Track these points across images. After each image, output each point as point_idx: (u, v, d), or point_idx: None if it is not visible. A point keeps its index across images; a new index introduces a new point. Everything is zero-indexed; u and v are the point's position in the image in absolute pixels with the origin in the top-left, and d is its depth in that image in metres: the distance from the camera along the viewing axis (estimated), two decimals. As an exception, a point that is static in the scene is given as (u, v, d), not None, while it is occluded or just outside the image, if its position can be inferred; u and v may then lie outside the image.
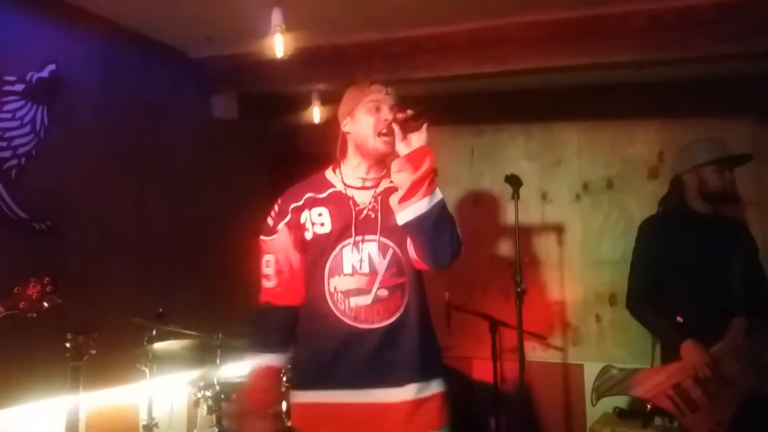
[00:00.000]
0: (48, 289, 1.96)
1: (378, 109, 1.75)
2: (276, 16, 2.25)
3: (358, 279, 1.73)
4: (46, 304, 1.96)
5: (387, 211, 1.71)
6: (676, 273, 2.50)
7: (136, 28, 2.98)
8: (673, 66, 2.80)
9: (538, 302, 3.44)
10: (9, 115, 2.42)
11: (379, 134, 1.72)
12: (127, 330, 2.52)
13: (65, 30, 2.66)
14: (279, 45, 2.30)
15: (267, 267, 1.85)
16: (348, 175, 1.82)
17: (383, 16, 2.79)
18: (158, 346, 2.59)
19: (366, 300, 1.71)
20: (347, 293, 1.72)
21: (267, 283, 1.84)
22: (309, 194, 1.82)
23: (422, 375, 1.75)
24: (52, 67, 2.58)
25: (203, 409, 2.62)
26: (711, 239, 2.48)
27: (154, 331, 2.57)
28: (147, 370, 2.58)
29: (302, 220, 1.80)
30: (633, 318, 2.62)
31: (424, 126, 1.64)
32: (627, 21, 2.53)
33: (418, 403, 1.73)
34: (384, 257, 1.74)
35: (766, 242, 3.26)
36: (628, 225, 3.37)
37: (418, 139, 1.63)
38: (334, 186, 1.83)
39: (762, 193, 3.32)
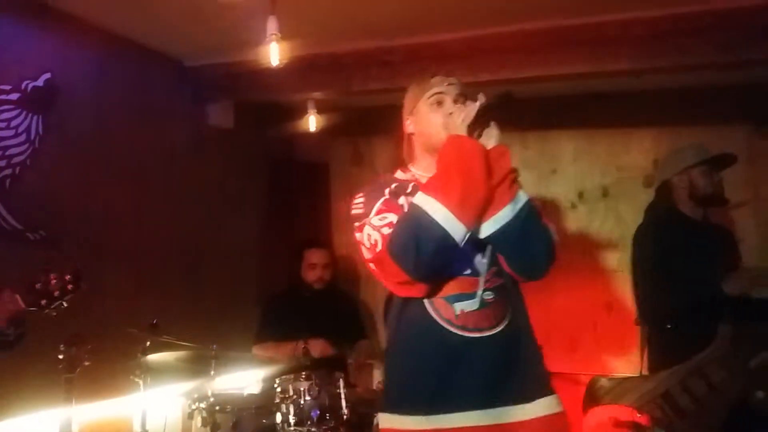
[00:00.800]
0: (69, 287, 1.89)
1: (440, 102, 1.63)
2: (271, 25, 2.24)
3: (460, 281, 1.56)
4: (65, 304, 1.89)
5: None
6: (664, 280, 2.52)
7: (132, 37, 2.96)
8: (669, 74, 2.81)
9: (534, 310, 3.43)
10: (4, 124, 2.40)
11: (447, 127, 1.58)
12: (121, 341, 2.49)
13: (61, 39, 2.64)
14: (274, 53, 2.30)
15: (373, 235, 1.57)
16: (423, 177, 1.65)
17: (380, 24, 2.79)
18: (153, 357, 2.55)
19: (473, 305, 1.53)
20: (450, 298, 1.54)
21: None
22: (395, 184, 1.66)
23: (548, 387, 1.59)
24: (48, 75, 2.56)
25: (197, 421, 2.58)
26: (700, 245, 2.52)
27: (149, 342, 2.54)
28: (141, 382, 2.55)
29: (400, 203, 1.61)
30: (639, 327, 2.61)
31: (494, 123, 1.55)
32: (625, 29, 2.54)
33: (549, 421, 1.54)
34: (483, 255, 1.58)
35: (760, 246, 3.28)
36: (624, 233, 3.35)
37: (490, 137, 1.55)
38: (416, 180, 1.66)
39: (756, 198, 3.34)
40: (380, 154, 4.18)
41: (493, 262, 1.58)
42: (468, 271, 1.56)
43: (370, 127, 4.13)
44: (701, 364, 2.37)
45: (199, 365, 2.70)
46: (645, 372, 2.59)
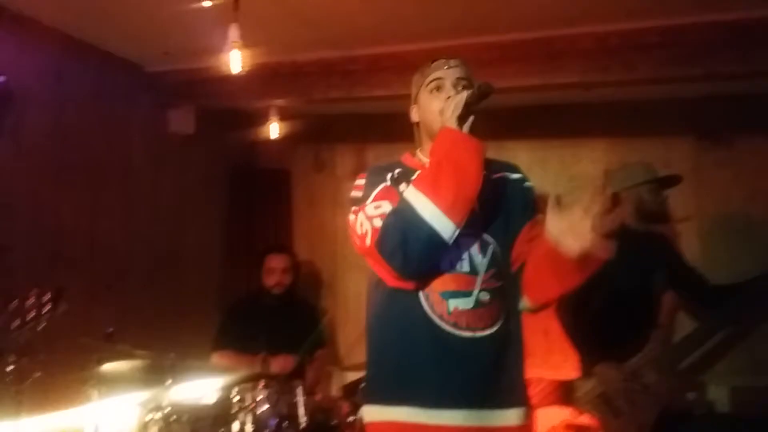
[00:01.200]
0: (45, 310, 1.79)
1: (439, 88, 1.58)
2: (233, 33, 2.25)
3: (457, 278, 1.51)
4: (38, 328, 1.79)
5: (488, 203, 1.53)
6: (606, 288, 2.59)
7: (92, 41, 2.93)
8: (618, 87, 2.92)
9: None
10: (-44, 128, 2.36)
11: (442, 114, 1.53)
12: (74, 351, 2.44)
13: (16, 42, 2.59)
14: (236, 61, 2.31)
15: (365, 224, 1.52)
16: (427, 163, 1.57)
17: (341, 35, 2.83)
18: (107, 367, 2.51)
19: (467, 303, 1.50)
20: (445, 294, 1.50)
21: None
22: (399, 170, 1.62)
23: (525, 397, 1.58)
24: (2, 79, 2.51)
25: (153, 431, 2.55)
26: (638, 255, 2.63)
27: (104, 352, 2.50)
28: (95, 393, 2.50)
29: (401, 190, 1.54)
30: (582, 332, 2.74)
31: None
32: (575, 43, 2.63)
33: (521, 431, 1.54)
34: (484, 255, 1.54)
35: (704, 254, 3.42)
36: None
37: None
38: (423, 167, 1.59)
39: (700, 208, 3.48)
40: (342, 162, 4.21)
41: (493, 263, 1.55)
42: (466, 269, 1.52)
43: (333, 134, 4.16)
44: (635, 367, 2.57)
45: (155, 374, 2.66)
46: (586, 374, 2.71)
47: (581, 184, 3.64)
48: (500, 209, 1.61)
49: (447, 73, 1.58)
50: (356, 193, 1.59)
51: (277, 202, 4.22)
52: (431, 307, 1.50)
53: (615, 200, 2.78)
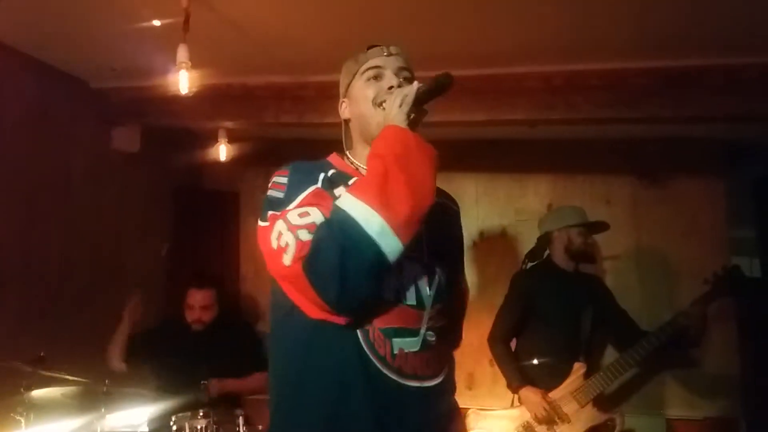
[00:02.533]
0: None
1: (378, 77, 1.34)
2: (181, 53, 2.22)
3: (402, 312, 1.22)
4: None
5: (432, 226, 1.22)
6: (535, 320, 2.89)
7: (35, 54, 2.84)
8: (562, 126, 3.02)
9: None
10: None
11: (380, 105, 1.30)
12: (3, 375, 2.32)
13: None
14: (184, 82, 2.27)
15: (284, 235, 1.17)
16: (363, 170, 1.32)
17: (293, 60, 2.84)
18: (37, 393, 2.39)
19: (414, 344, 1.22)
20: (389, 332, 1.21)
21: (286, 257, 1.15)
22: (333, 171, 1.31)
23: None
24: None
25: (85, 461, 2.43)
26: (568, 292, 2.88)
27: (34, 377, 2.38)
28: (23, 420, 2.37)
29: (336, 194, 1.25)
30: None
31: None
32: (521, 81, 2.72)
33: None
34: (431, 287, 1.27)
35: (642, 290, 3.54)
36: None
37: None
38: (357, 172, 1.34)
39: (638, 244, 3.61)
40: (292, 186, 4.18)
41: (438, 297, 1.28)
42: (412, 302, 1.24)
43: (283, 157, 4.10)
44: (555, 397, 2.74)
45: (89, 401, 2.55)
46: (516, 404, 2.85)
47: (527, 218, 3.73)
48: (444, 236, 1.38)
49: (387, 61, 1.35)
50: (275, 193, 1.26)
51: (225, 224, 4.16)
52: (371, 346, 1.19)
53: (546, 239, 3.01)
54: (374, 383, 1.19)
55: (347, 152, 1.43)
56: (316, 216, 1.17)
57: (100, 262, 3.28)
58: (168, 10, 2.27)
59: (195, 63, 2.25)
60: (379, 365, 1.19)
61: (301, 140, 3.99)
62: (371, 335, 1.20)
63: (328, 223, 1.15)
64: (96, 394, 2.54)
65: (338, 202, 1.16)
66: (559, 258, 2.96)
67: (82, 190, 3.18)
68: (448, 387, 1.31)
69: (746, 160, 3.58)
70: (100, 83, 3.23)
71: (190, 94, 2.32)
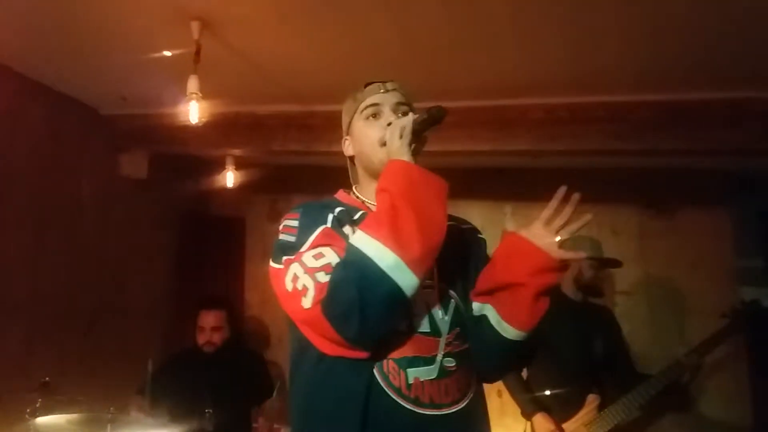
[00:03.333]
0: None
1: (376, 114, 1.36)
2: (192, 84, 2.26)
3: (416, 341, 1.22)
4: None
5: (445, 251, 1.20)
6: (545, 350, 2.75)
7: (46, 82, 2.90)
8: (566, 156, 3.04)
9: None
10: None
11: (384, 144, 1.30)
12: (7, 401, 2.31)
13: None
14: (194, 112, 2.31)
15: (302, 278, 1.19)
16: (372, 205, 1.36)
17: (302, 91, 2.88)
18: (42, 420, 2.37)
19: (430, 373, 1.21)
20: (403, 362, 1.20)
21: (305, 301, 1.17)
22: (340, 208, 1.32)
23: None
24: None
25: (87, 489, 2.40)
26: (578, 324, 2.83)
27: (39, 403, 2.37)
28: (27, 447, 2.35)
29: (345, 233, 1.26)
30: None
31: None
32: (525, 112, 2.74)
33: None
34: (446, 312, 1.28)
35: (651, 321, 3.51)
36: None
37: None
38: (365, 207, 1.36)
39: (646, 275, 3.59)
40: (298, 213, 4.20)
41: (456, 321, 1.29)
42: (426, 329, 1.24)
43: (289, 184, 4.17)
44: (569, 429, 2.69)
45: (94, 428, 2.53)
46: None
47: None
48: (458, 258, 1.37)
49: (384, 97, 1.37)
50: (287, 237, 1.27)
51: (230, 251, 4.17)
52: (386, 378, 1.19)
53: None
54: (391, 415, 1.18)
55: (354, 187, 1.46)
56: (330, 256, 1.18)
57: (108, 287, 3.30)
58: (179, 41, 2.31)
59: (205, 93, 2.30)
60: (394, 396, 1.18)
61: (308, 167, 4.03)
62: (385, 367, 1.20)
63: (344, 263, 1.16)
64: (101, 421, 2.52)
65: (352, 241, 1.17)
66: (568, 288, 2.93)
67: (90, 215, 3.21)
68: (472, 412, 1.27)
69: (752, 191, 3.57)
70: (110, 110, 3.28)
71: (200, 124, 2.35)
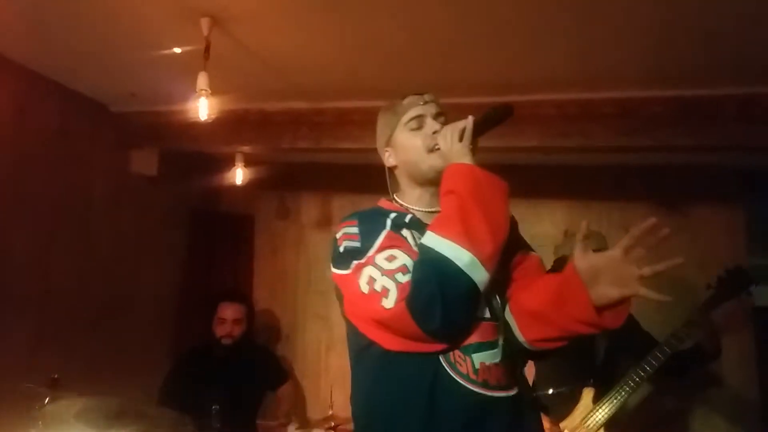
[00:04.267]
0: None
1: (421, 125, 1.44)
2: (201, 81, 2.26)
3: (479, 327, 1.27)
4: None
5: None
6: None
7: (57, 78, 2.91)
8: (577, 153, 3.01)
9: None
10: None
11: (432, 150, 1.39)
12: (15, 398, 2.33)
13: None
14: (203, 108, 2.31)
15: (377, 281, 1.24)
16: (417, 211, 1.43)
17: (311, 87, 2.87)
18: (51, 416, 2.39)
19: (495, 356, 1.27)
20: (468, 348, 1.25)
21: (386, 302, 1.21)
22: (394, 215, 1.38)
23: None
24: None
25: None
26: None
27: (47, 400, 2.39)
28: (37, 442, 2.37)
29: (404, 235, 1.33)
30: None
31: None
32: (535, 108, 2.72)
33: None
34: (500, 297, 1.35)
35: (662, 319, 3.48)
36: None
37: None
38: (410, 212, 1.42)
39: (658, 274, 3.55)
40: (307, 210, 4.21)
41: (504, 305, 1.36)
42: (487, 315, 1.30)
43: (299, 182, 4.18)
44: (569, 426, 2.62)
45: (101, 424, 2.55)
46: None
47: (542, 244, 3.71)
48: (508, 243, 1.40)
49: (425, 108, 1.45)
50: (352, 243, 1.32)
51: (239, 248, 4.18)
52: (453, 366, 1.23)
53: (561, 263, 2.91)
54: (461, 400, 1.22)
55: (395, 196, 1.51)
56: (402, 258, 1.24)
57: (117, 283, 3.31)
58: (188, 38, 2.32)
59: (214, 89, 2.30)
60: (463, 382, 1.23)
61: (317, 164, 4.04)
62: (451, 356, 1.24)
63: (421, 263, 1.22)
64: (108, 416, 2.54)
65: (425, 242, 1.23)
66: None
67: (100, 212, 3.23)
68: (525, 394, 1.33)
69: (764, 188, 3.53)
70: (120, 107, 3.29)
71: (209, 120, 2.36)
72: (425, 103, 1.46)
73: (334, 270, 1.35)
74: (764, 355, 3.38)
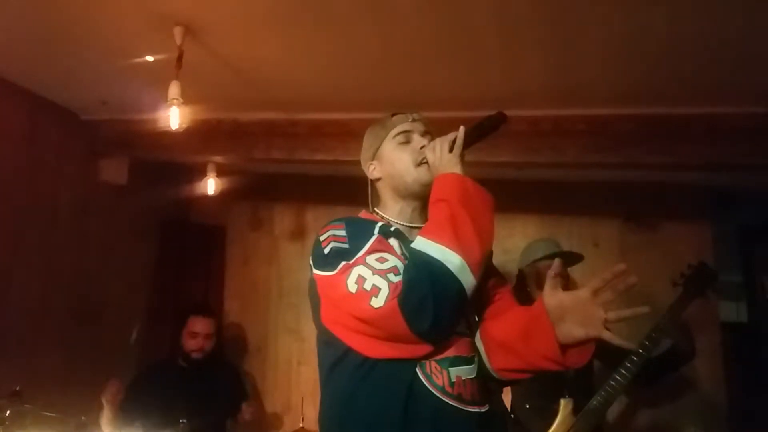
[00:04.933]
0: None
1: (408, 140, 1.48)
2: (173, 90, 2.23)
3: (456, 342, 1.29)
4: None
5: None
6: None
7: (25, 85, 2.85)
8: (549, 168, 3.04)
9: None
10: None
11: (419, 164, 1.43)
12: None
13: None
14: (175, 118, 2.28)
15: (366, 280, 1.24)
16: (398, 225, 1.44)
17: (285, 99, 2.86)
18: (12, 430, 2.32)
19: (471, 372, 1.29)
20: (444, 361, 1.27)
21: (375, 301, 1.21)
22: (381, 223, 1.40)
23: None
24: None
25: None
26: None
27: (8, 412, 2.31)
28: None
29: (391, 244, 1.35)
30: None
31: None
32: (509, 124, 2.73)
33: None
34: (478, 314, 1.39)
35: (632, 334, 3.51)
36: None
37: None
38: (395, 224, 1.44)
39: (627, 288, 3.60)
40: (280, 220, 4.18)
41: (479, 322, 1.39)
42: (463, 330, 1.33)
43: (272, 192, 4.14)
44: None
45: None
46: None
47: (514, 257, 3.73)
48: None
49: (413, 125, 1.51)
50: (339, 245, 1.31)
51: (210, 259, 4.12)
52: (429, 378, 1.25)
53: (520, 276, 2.93)
54: (436, 412, 1.23)
55: (375, 209, 1.54)
56: (393, 260, 1.27)
57: (84, 294, 3.23)
58: (161, 46, 2.29)
59: (186, 99, 2.27)
60: (438, 394, 1.24)
61: (291, 175, 4.01)
62: (427, 368, 1.26)
63: (413, 265, 1.23)
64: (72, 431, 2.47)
65: (416, 246, 1.26)
66: (534, 293, 2.86)
67: (67, 220, 3.15)
68: (497, 411, 1.35)
69: (732, 206, 3.61)
70: (90, 115, 3.24)
71: (181, 130, 2.32)
72: (413, 120, 1.51)
73: (316, 271, 1.34)
74: (732, 371, 3.44)
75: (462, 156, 1.37)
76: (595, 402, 2.59)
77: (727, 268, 3.78)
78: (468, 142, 1.38)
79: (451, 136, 1.39)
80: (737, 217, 3.75)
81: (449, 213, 1.25)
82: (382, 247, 1.31)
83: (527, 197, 3.72)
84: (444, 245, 1.21)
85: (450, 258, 1.20)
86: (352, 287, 1.23)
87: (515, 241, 3.74)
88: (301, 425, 2.96)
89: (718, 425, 3.35)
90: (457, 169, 1.34)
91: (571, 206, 3.70)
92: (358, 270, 1.25)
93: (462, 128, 1.38)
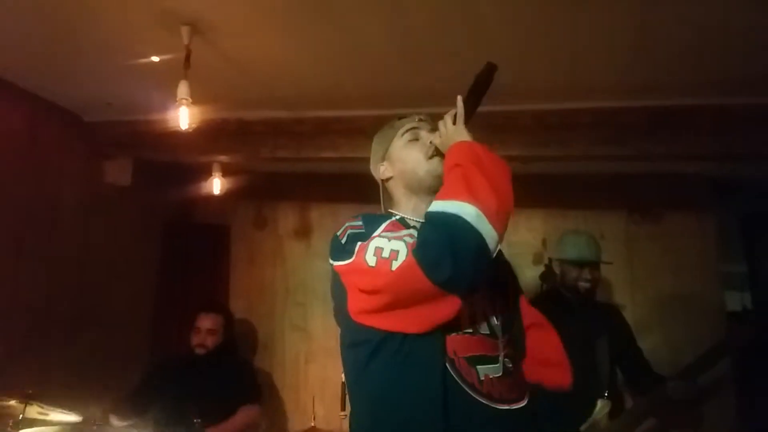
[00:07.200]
0: None
1: (417, 137, 1.50)
2: (182, 89, 2.23)
3: (480, 341, 1.31)
4: None
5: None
6: None
7: (28, 87, 2.86)
8: (555, 162, 3.05)
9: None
10: None
11: (430, 157, 1.44)
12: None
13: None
14: (184, 118, 2.28)
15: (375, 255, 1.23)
16: (412, 221, 1.43)
17: (291, 97, 2.87)
18: (26, 431, 2.34)
19: (497, 370, 1.30)
20: (472, 360, 1.28)
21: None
22: (398, 216, 1.43)
23: None
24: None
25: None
26: (578, 322, 2.61)
27: (21, 416, 2.32)
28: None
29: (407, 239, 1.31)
30: None
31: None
32: (515, 119, 2.76)
33: None
34: (496, 317, 1.38)
35: (637, 325, 3.53)
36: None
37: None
38: (410, 224, 1.41)
39: (633, 280, 3.62)
40: (285, 219, 4.18)
41: (506, 327, 1.39)
42: (486, 331, 1.34)
43: (276, 191, 4.14)
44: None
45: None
46: None
47: (520, 251, 3.74)
48: (500, 270, 1.49)
49: (420, 124, 1.53)
50: (356, 231, 1.32)
51: (215, 258, 4.12)
52: (459, 374, 1.25)
53: (549, 264, 3.03)
54: (469, 410, 1.24)
55: (389, 210, 1.52)
56: (409, 232, 1.28)
57: (89, 295, 3.24)
58: (167, 46, 2.29)
59: (193, 98, 2.27)
60: (470, 391, 1.25)
61: (295, 174, 4.01)
62: (457, 364, 1.26)
63: (429, 222, 1.22)
64: None
65: (431, 209, 1.24)
66: (561, 287, 2.85)
67: (72, 222, 3.16)
68: (534, 411, 1.35)
69: (736, 196, 3.62)
70: (94, 117, 3.24)
71: (189, 130, 2.33)
72: (421, 120, 1.54)
73: (335, 263, 1.33)
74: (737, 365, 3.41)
75: (466, 124, 1.38)
76: (627, 415, 2.57)
77: (731, 258, 3.80)
78: (469, 109, 1.38)
79: (451, 112, 1.40)
80: (741, 207, 3.76)
81: (461, 173, 1.24)
82: (397, 227, 1.32)
83: (533, 191, 3.70)
84: (458, 200, 1.20)
85: (465, 209, 1.18)
86: (371, 261, 1.22)
87: (521, 234, 3.76)
88: (312, 424, 2.96)
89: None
90: (464, 137, 1.34)
91: (577, 199, 3.71)
92: (375, 242, 1.24)
93: (459, 98, 1.39)
